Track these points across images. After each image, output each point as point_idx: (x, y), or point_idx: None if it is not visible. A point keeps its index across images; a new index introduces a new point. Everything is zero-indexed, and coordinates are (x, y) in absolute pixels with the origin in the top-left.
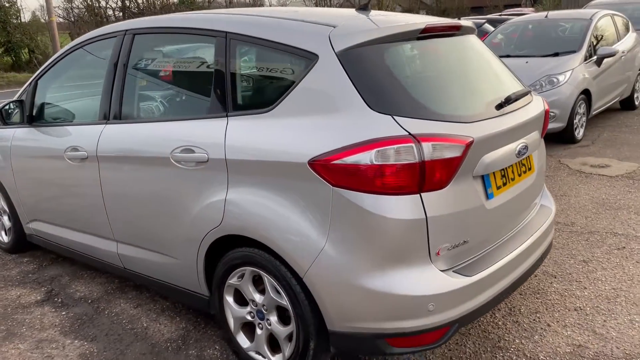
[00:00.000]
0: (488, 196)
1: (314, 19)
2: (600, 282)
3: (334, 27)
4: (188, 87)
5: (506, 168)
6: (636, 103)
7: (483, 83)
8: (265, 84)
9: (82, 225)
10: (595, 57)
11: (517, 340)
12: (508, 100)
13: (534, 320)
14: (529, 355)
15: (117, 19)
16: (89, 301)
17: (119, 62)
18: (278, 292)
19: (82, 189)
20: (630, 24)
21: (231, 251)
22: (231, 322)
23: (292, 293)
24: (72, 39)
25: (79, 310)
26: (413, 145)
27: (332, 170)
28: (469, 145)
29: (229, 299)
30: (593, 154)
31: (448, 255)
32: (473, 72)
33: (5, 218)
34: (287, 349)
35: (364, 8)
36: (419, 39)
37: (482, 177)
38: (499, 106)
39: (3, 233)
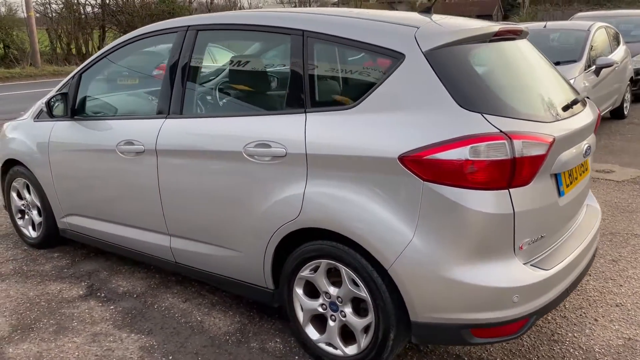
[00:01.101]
0: (560, 193)
1: (393, 20)
2: (634, 280)
3: (417, 28)
4: (259, 84)
5: (572, 167)
6: (625, 112)
7: (547, 85)
8: (345, 82)
9: (130, 219)
10: (594, 67)
11: (569, 334)
12: (575, 102)
13: (580, 315)
14: (584, 347)
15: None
16: (134, 295)
17: (180, 57)
18: (356, 284)
19: (135, 183)
20: (620, 36)
21: (304, 244)
22: (300, 315)
23: (373, 285)
24: (50, 35)
25: (126, 305)
26: (505, 142)
27: (424, 165)
28: (551, 144)
29: (299, 291)
30: (595, 160)
31: (528, 249)
32: (537, 74)
33: (35, 213)
34: (364, 340)
35: (426, 11)
36: (490, 41)
37: (556, 175)
38: (566, 107)
39: (30, 228)
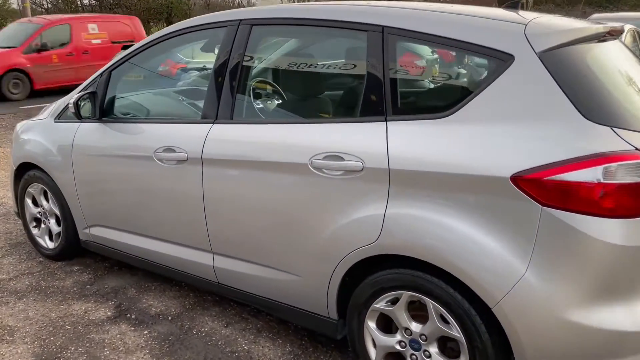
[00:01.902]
0: None
1: (490, 15)
2: None
3: (524, 25)
4: (327, 87)
5: None
6: None
7: None
8: (436, 86)
9: (166, 233)
10: None
11: None
12: None
13: None
14: None
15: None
16: (169, 318)
17: (231, 55)
18: (445, 320)
19: (175, 195)
20: None
21: (381, 272)
22: (372, 352)
23: (469, 324)
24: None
25: (162, 329)
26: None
27: (544, 187)
28: None
29: (372, 324)
30: None
31: None
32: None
33: (53, 222)
34: None
35: (513, 6)
36: (599, 41)
37: None
38: None
39: (47, 238)
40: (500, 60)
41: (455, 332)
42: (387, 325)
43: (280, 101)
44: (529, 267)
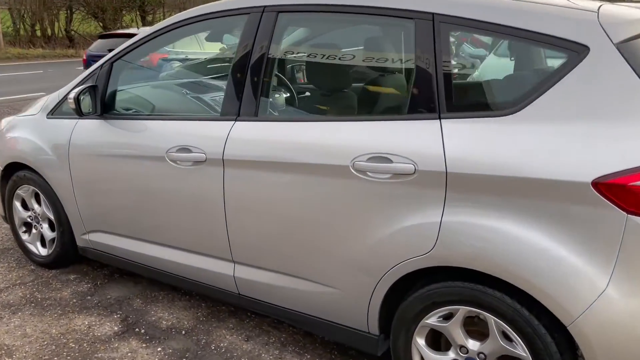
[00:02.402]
0: None
1: (555, 1)
2: None
3: (596, 12)
4: (367, 81)
5: None
6: None
7: None
8: (498, 80)
9: (179, 240)
10: None
11: None
12: None
13: None
14: None
15: None
16: (183, 332)
17: (254, 46)
18: (508, 338)
19: (191, 199)
20: None
21: (433, 285)
22: None
23: (538, 343)
24: (12, 15)
25: (176, 345)
26: None
27: (630, 194)
28: None
29: (421, 341)
30: None
31: None
32: None
33: (46, 226)
34: None
35: None
36: None
37: None
38: None
39: (39, 244)
40: (573, 52)
41: (521, 351)
42: (435, 341)
43: (312, 97)
44: (610, 281)
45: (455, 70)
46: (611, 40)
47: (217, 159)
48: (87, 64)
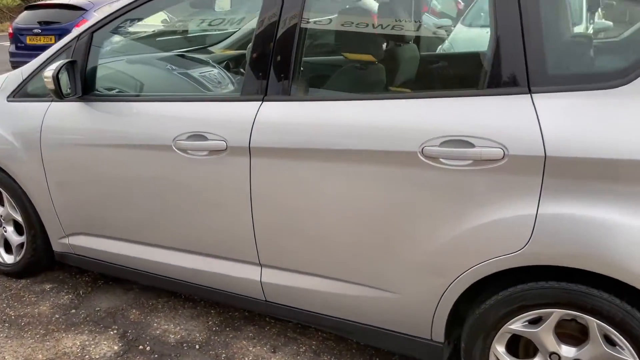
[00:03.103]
0: None
1: None
2: None
3: None
4: (429, 50)
5: None
6: None
7: None
8: (600, 44)
9: (191, 243)
10: None
11: None
12: None
13: None
14: None
15: None
16: (196, 346)
17: (283, 11)
18: (610, 342)
19: (206, 194)
20: None
21: (522, 286)
22: None
23: None
24: None
25: None
26: None
27: None
28: None
29: (501, 349)
30: None
31: None
32: None
33: (11, 230)
34: None
35: None
36: None
37: None
38: None
39: (2, 251)
40: None
41: (628, 356)
42: (512, 346)
43: (360, 71)
44: None
45: (547, 33)
46: None
47: (241, 147)
48: (14, 38)
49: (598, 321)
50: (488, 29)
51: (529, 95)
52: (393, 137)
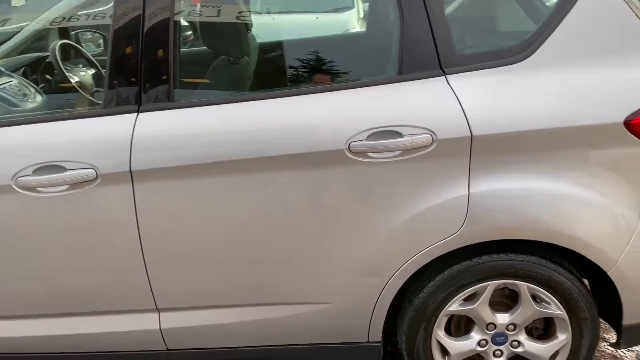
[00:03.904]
0: None
1: None
2: None
3: None
4: (331, 38)
5: None
6: None
7: None
8: (496, 21)
9: (50, 304)
10: None
11: None
12: None
13: None
14: None
15: None
16: None
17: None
18: (542, 302)
19: (75, 240)
20: None
21: (458, 267)
22: None
23: (576, 297)
24: None
25: None
26: None
27: None
28: None
29: (441, 332)
30: None
31: None
32: None
33: None
34: None
35: None
36: None
37: None
38: None
39: None
40: None
41: (556, 309)
42: (447, 328)
43: (257, 66)
44: None
45: (450, 12)
46: None
47: (119, 172)
48: None
49: (528, 284)
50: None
51: (444, 77)
52: (314, 136)
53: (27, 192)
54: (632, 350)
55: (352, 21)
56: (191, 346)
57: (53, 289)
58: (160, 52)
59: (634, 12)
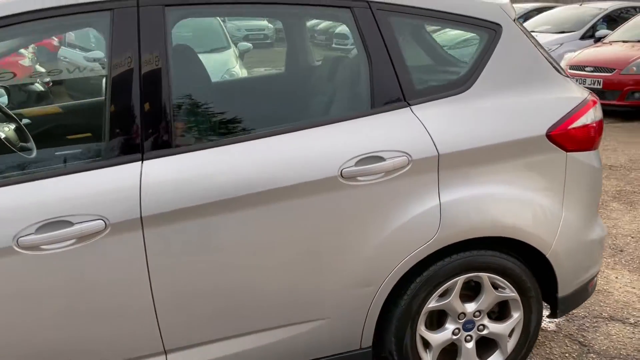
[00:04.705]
0: None
1: None
2: None
3: None
4: (314, 82)
5: None
6: None
7: None
8: (441, 62)
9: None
10: None
11: None
12: None
13: None
14: None
15: None
16: None
17: (142, 53)
18: (499, 287)
19: (77, 295)
20: None
21: (434, 267)
22: (426, 356)
23: (524, 280)
24: None
25: None
26: (596, 104)
27: (569, 136)
28: None
29: (423, 328)
30: None
31: None
32: None
33: None
34: (510, 343)
35: None
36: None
37: None
38: None
39: None
40: (492, 31)
41: (510, 292)
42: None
43: (251, 108)
44: (563, 207)
45: (409, 57)
46: (511, 19)
47: (129, 220)
48: None
49: (489, 274)
50: None
51: (409, 108)
52: (314, 165)
53: (28, 252)
54: (553, 322)
55: (232, 60)
56: None
57: (61, 346)
58: (158, 101)
59: (537, 47)
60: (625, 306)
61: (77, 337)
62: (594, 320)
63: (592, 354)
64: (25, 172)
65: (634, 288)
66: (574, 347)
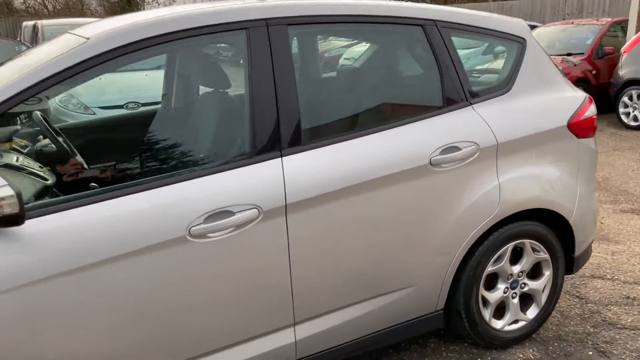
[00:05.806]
0: None
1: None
2: None
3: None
4: (398, 85)
5: None
6: None
7: None
8: (485, 69)
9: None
10: None
11: None
12: None
13: None
14: None
15: None
16: None
17: (275, 64)
18: (536, 251)
19: (232, 276)
20: None
21: (491, 237)
22: (486, 314)
23: (553, 244)
24: None
25: None
26: (592, 100)
27: (581, 126)
28: None
29: (483, 290)
30: None
31: None
32: None
33: None
34: (543, 296)
35: None
36: None
37: None
38: None
39: None
40: (520, 44)
41: (544, 254)
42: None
43: (355, 109)
44: (578, 182)
45: (466, 64)
46: (531, 34)
47: (277, 207)
48: None
49: (530, 240)
50: None
51: (471, 106)
52: (411, 156)
53: (196, 240)
54: None
55: None
56: (317, 349)
57: (214, 325)
58: (290, 105)
59: (549, 58)
60: (599, 267)
61: (233, 316)
62: (581, 280)
63: (590, 304)
64: (193, 170)
65: (599, 253)
66: (575, 300)
